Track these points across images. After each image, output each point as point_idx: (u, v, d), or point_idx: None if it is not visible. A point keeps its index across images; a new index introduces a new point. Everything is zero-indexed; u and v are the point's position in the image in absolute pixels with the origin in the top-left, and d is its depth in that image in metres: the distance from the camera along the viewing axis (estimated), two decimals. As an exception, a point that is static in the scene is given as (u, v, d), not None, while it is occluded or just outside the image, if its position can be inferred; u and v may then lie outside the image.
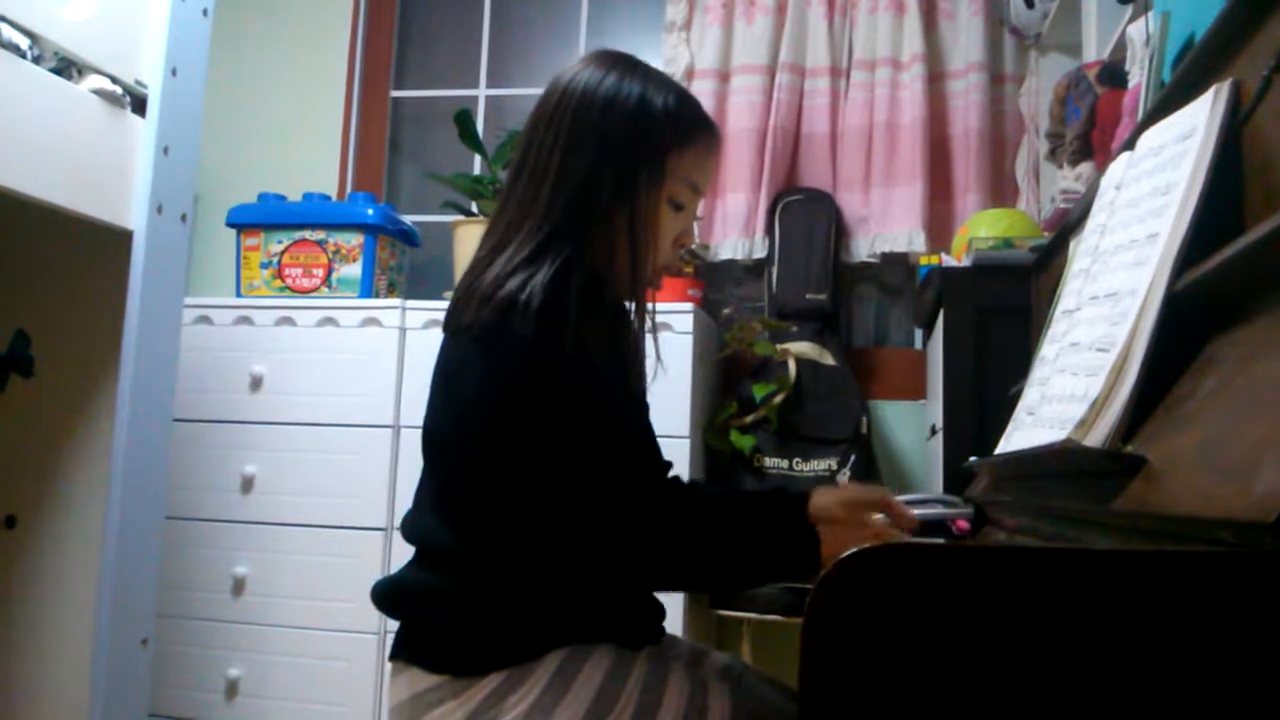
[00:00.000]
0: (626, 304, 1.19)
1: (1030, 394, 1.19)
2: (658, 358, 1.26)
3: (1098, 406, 0.89)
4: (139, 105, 1.74)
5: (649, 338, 1.25)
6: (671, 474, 1.41)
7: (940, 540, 1.25)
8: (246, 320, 2.41)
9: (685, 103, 1.18)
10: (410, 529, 1.18)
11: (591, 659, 1.07)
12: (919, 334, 2.75)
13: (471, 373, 1.11)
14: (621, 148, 1.13)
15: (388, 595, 1.17)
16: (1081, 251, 1.16)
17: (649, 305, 1.23)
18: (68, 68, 1.62)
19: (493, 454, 1.08)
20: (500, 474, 1.08)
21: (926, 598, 0.58)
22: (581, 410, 1.06)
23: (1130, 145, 1.12)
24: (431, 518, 1.15)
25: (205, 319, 2.42)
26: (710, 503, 1.18)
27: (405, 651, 1.12)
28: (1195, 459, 0.70)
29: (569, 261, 1.09)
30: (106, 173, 1.66)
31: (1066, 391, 1.01)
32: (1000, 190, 2.61)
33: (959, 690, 0.59)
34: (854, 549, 0.57)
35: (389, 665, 1.14)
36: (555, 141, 1.13)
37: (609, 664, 1.08)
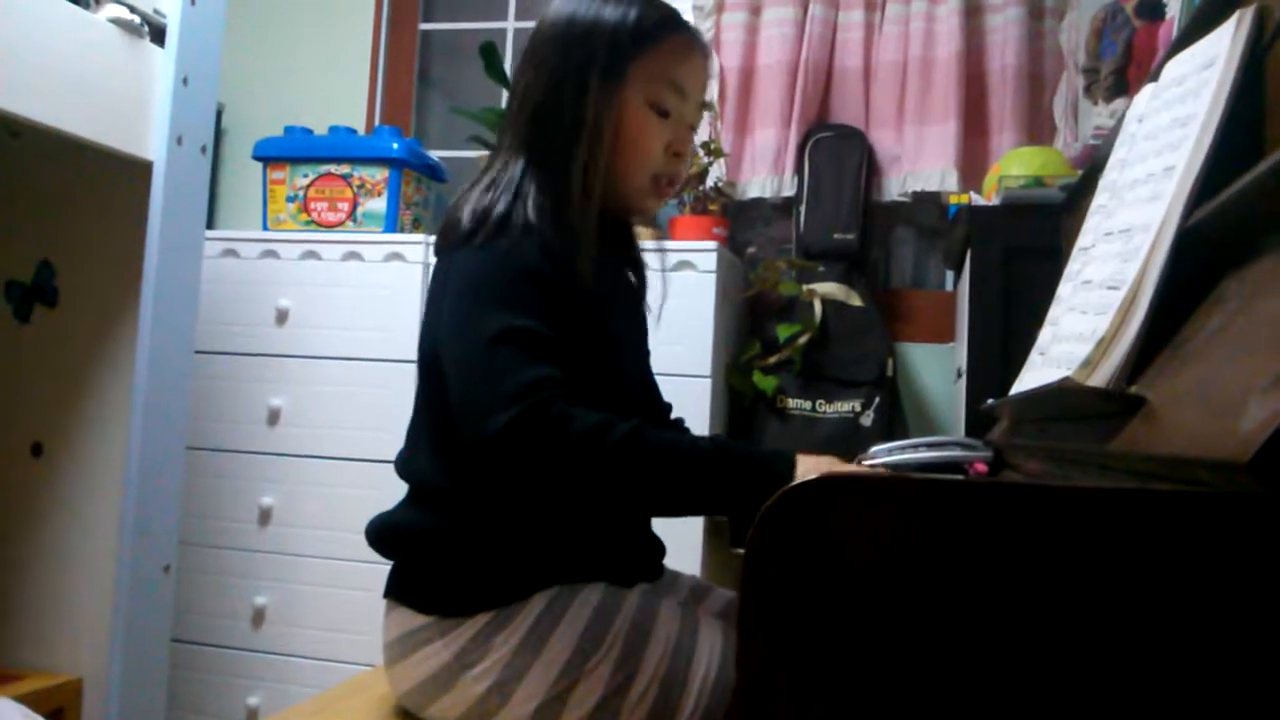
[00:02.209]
0: (628, 223, 1.23)
1: (1044, 334, 1.16)
2: (643, 283, 1.28)
3: (1104, 345, 0.87)
4: (158, 35, 1.73)
5: (642, 273, 1.28)
6: (677, 416, 1.40)
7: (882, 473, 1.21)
8: (272, 254, 2.42)
9: (648, 7, 1.17)
10: (402, 465, 1.18)
11: (579, 599, 1.07)
12: (951, 276, 2.71)
13: (449, 288, 1.10)
14: (575, 59, 1.14)
15: (379, 535, 1.17)
16: (1101, 187, 1.13)
17: (652, 242, 1.25)
18: (84, -4, 1.61)
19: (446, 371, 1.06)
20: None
21: (865, 529, 0.58)
22: (519, 316, 1.03)
23: (1156, 76, 1.08)
24: (422, 453, 1.14)
25: (232, 252, 2.43)
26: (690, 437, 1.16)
27: (395, 591, 1.13)
28: (1190, 398, 0.68)
29: (541, 183, 1.12)
30: (125, 103, 1.66)
31: (1076, 330, 0.98)
32: (1038, 128, 2.53)
33: (887, 624, 0.60)
34: (798, 481, 0.57)
35: (383, 602, 1.15)
36: (524, 70, 1.18)
37: (597, 603, 1.07)
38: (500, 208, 1.09)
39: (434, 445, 1.13)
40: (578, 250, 1.10)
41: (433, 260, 2.30)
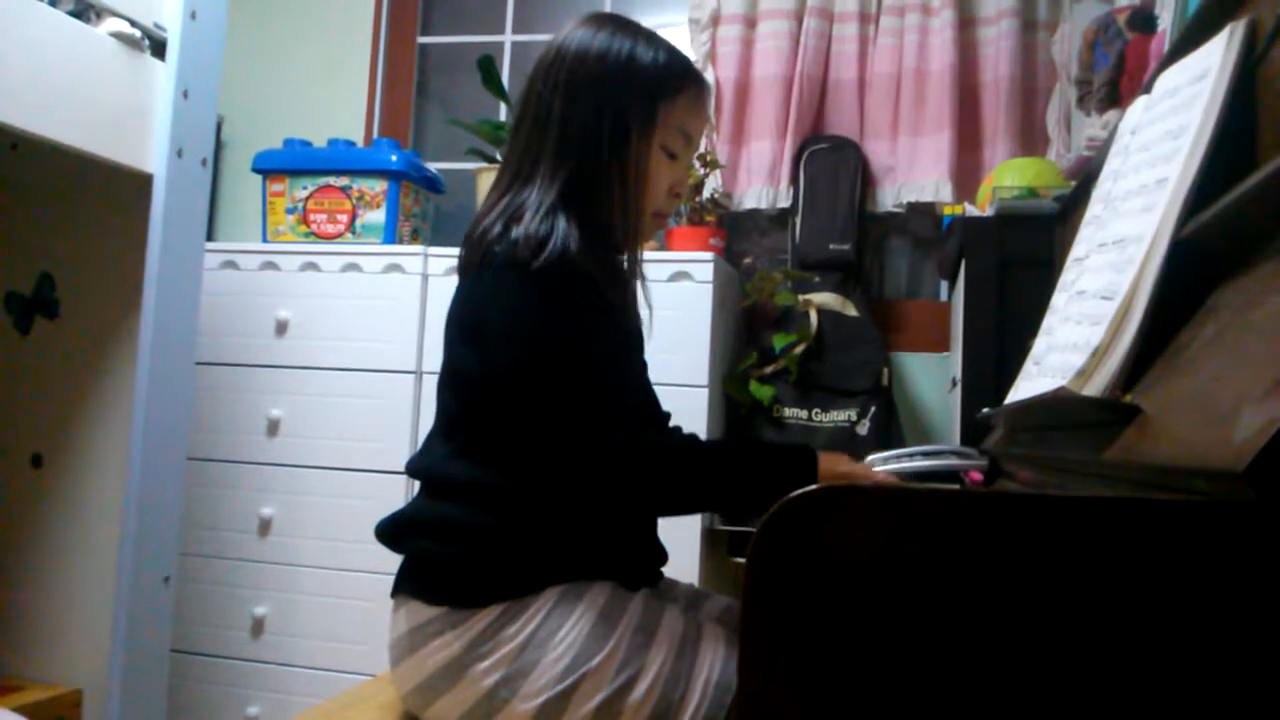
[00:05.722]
0: (623, 249, 1.27)
1: (1038, 344, 1.18)
2: (648, 305, 1.33)
3: (1099, 355, 0.88)
4: (158, 49, 1.75)
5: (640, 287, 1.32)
6: (675, 424, 1.43)
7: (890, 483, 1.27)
8: (272, 265, 2.42)
9: (673, 55, 1.25)
10: (417, 464, 1.22)
11: (588, 596, 1.10)
12: (945, 286, 2.72)
13: (496, 307, 1.14)
14: (615, 97, 1.20)
15: (391, 529, 1.20)
16: (1095, 198, 1.14)
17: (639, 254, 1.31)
18: (86, 10, 1.63)
19: (518, 384, 1.11)
20: (520, 405, 1.12)
21: (864, 537, 0.59)
22: (597, 340, 1.14)
23: (1148, 89, 1.10)
24: (441, 454, 1.18)
25: (232, 264, 2.44)
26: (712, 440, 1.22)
27: (405, 585, 1.15)
28: (1185, 407, 0.69)
29: (581, 207, 1.17)
30: (126, 116, 1.67)
31: (1070, 340, 0.99)
32: (1031, 139, 2.55)
33: (888, 631, 0.61)
34: (800, 490, 0.58)
35: (390, 603, 1.17)
36: (555, 96, 1.20)
37: (604, 601, 1.10)
38: (552, 233, 1.13)
39: (454, 445, 1.17)
40: (614, 276, 1.19)
41: (431, 271, 2.33)
